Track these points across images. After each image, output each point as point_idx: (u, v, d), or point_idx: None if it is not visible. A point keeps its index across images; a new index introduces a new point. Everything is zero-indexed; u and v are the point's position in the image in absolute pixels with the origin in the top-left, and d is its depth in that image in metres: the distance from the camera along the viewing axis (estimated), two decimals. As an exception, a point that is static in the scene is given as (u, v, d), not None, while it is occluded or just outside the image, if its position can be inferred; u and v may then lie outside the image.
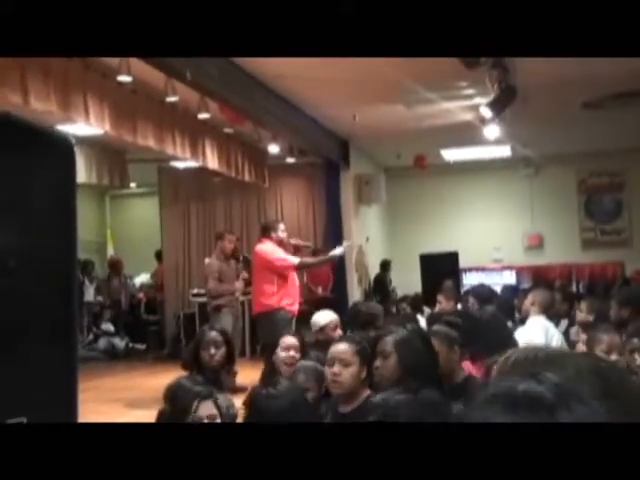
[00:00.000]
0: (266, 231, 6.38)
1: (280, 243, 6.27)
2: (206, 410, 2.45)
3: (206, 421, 2.39)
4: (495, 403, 0.73)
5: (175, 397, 2.61)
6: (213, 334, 3.70)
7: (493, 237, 12.00)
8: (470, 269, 11.64)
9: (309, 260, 6.50)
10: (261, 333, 6.68)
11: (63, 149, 1.09)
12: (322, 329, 4.24)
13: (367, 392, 2.84)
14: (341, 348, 2.91)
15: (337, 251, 6.52)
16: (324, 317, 4.35)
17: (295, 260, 6.20)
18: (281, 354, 3.67)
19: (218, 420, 2.43)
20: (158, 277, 11.16)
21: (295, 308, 6.19)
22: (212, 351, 3.61)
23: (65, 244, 1.13)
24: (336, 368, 2.82)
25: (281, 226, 6.41)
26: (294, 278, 6.25)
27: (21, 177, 0.98)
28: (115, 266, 11.57)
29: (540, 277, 11.40)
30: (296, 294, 6.25)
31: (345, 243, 7.09)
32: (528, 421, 0.69)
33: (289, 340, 3.73)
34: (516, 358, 1.59)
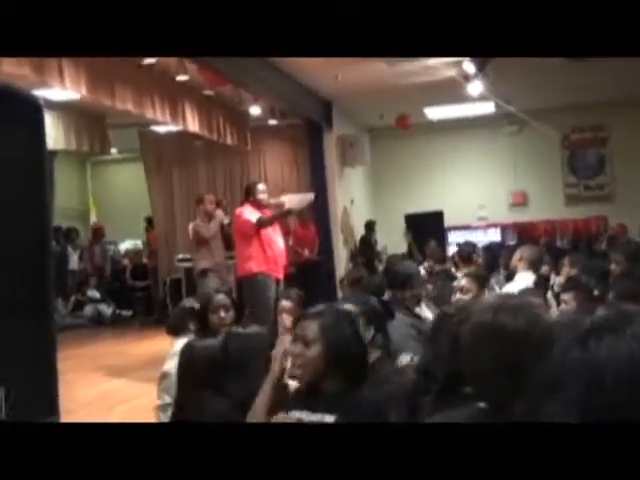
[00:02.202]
0: (246, 194, 6.18)
1: (259, 205, 6.01)
2: None
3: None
4: (567, 329, 0.92)
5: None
6: (221, 297, 3.59)
7: (477, 195, 12.01)
8: (455, 228, 11.68)
9: (268, 217, 6.06)
10: (244, 298, 6.62)
11: (30, 110, 1.05)
12: None
13: None
14: None
15: (292, 203, 6.18)
16: None
17: (254, 219, 5.91)
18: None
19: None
20: (151, 243, 11.01)
21: (279, 272, 5.98)
22: (222, 314, 3.51)
23: (37, 207, 1.09)
24: None
25: (259, 187, 6.12)
26: (277, 241, 6.03)
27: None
28: (97, 233, 11.48)
29: (525, 234, 11.47)
30: (278, 258, 5.99)
31: (301, 195, 6.76)
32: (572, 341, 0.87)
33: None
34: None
